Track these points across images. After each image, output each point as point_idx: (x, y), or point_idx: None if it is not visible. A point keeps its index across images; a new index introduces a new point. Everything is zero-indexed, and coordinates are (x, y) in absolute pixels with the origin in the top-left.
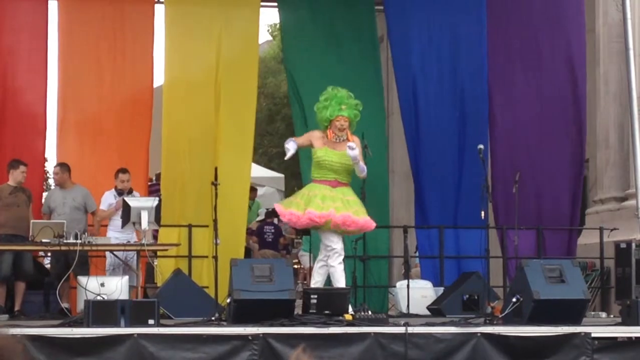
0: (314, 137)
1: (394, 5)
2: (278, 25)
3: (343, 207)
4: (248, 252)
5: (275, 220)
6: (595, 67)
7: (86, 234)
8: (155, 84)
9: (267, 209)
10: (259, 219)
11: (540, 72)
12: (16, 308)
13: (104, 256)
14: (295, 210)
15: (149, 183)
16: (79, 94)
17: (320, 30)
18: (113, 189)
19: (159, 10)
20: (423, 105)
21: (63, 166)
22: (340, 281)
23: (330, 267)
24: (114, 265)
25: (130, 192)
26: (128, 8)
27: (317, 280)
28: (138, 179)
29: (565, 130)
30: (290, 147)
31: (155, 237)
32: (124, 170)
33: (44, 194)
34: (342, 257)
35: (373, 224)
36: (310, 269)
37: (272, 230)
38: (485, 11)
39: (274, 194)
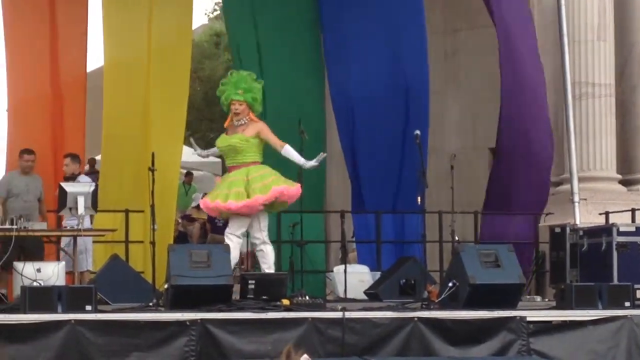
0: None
1: None
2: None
3: (222, 194)
4: (185, 236)
5: None
6: None
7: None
8: (97, 65)
9: (204, 194)
10: (194, 204)
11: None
12: None
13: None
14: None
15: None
16: (23, 79)
17: (262, 11)
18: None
19: None
20: (359, 92)
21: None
22: None
23: None
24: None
25: (74, 177)
26: None
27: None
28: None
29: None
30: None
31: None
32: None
33: None
34: (231, 242)
35: (238, 205)
36: (248, 253)
37: None
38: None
39: (210, 179)
